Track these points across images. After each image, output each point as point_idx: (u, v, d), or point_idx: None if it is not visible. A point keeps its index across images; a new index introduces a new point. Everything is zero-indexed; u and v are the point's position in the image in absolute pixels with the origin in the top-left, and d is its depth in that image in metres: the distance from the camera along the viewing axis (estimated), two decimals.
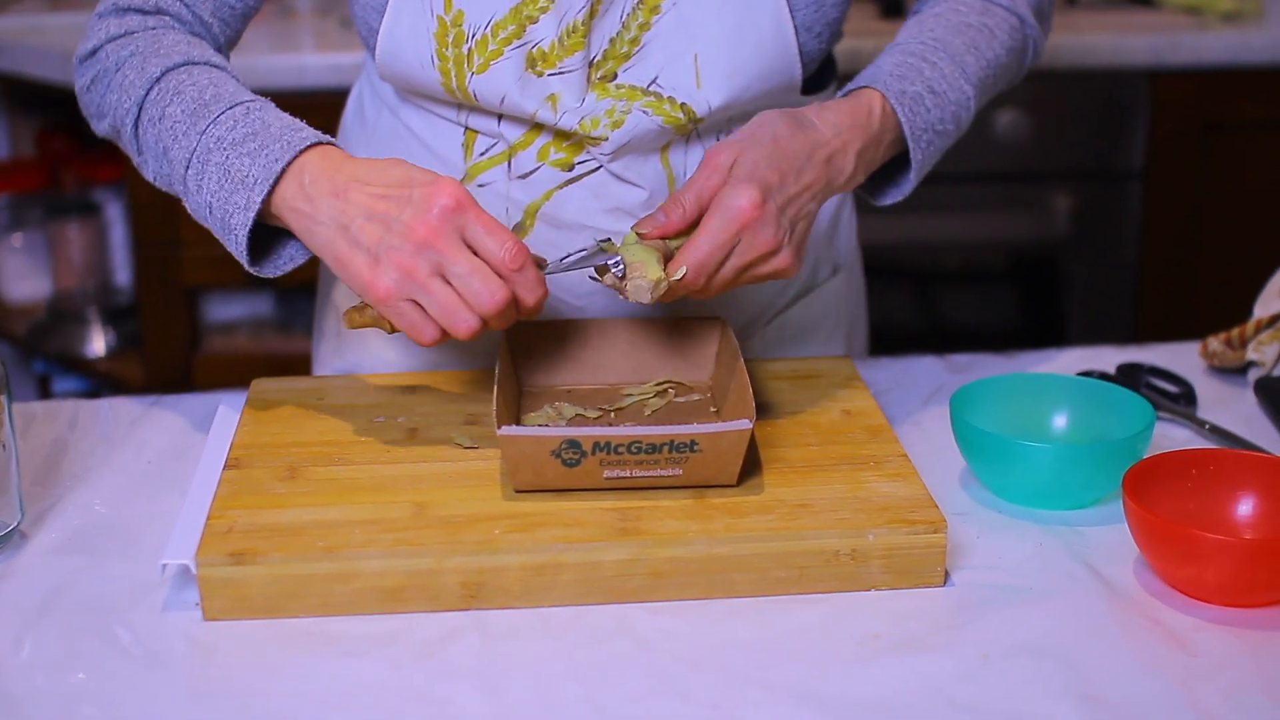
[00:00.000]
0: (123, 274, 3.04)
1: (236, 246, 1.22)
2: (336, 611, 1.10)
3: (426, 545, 1.10)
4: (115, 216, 3.01)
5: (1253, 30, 2.73)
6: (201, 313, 2.84)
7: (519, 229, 1.37)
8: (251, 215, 1.19)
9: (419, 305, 1.16)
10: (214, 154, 1.21)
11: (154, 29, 1.31)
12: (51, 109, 3.12)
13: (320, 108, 1.71)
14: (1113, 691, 1.02)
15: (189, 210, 1.26)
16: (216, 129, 1.22)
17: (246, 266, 1.24)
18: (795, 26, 1.33)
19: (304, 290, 2.85)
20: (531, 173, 1.36)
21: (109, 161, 2.96)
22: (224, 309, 2.89)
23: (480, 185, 1.37)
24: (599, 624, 1.09)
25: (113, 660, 1.06)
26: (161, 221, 2.67)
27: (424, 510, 1.15)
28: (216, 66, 1.28)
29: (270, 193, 1.19)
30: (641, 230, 1.21)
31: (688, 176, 1.37)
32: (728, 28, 1.31)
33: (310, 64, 2.53)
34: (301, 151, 1.19)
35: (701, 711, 1.00)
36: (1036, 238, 2.81)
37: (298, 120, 1.24)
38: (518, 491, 1.17)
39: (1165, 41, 2.69)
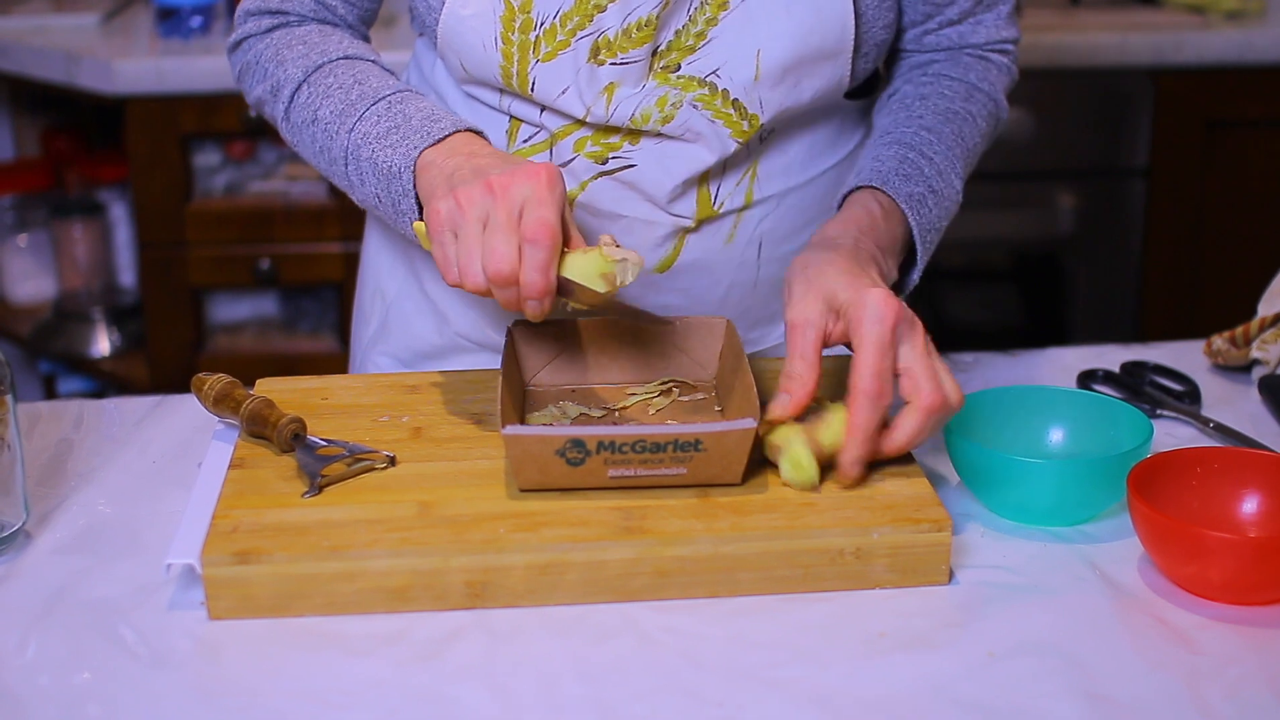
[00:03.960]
0: (127, 274, 3.05)
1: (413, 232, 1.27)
2: (341, 611, 1.10)
3: (431, 544, 1.10)
4: (120, 217, 3.02)
5: (1256, 29, 2.73)
6: (206, 313, 2.84)
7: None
8: (411, 200, 1.26)
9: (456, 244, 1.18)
10: (363, 149, 1.28)
11: (287, 26, 1.38)
12: (56, 109, 3.12)
13: None
14: (1117, 689, 1.02)
15: (357, 202, 1.33)
16: (363, 125, 1.29)
17: (424, 246, 1.27)
18: (858, 39, 1.34)
19: (307, 291, 2.85)
20: (569, 162, 1.37)
21: (113, 162, 2.96)
22: (228, 309, 2.89)
23: None
24: (604, 623, 1.09)
25: (117, 660, 1.06)
26: (166, 222, 2.67)
27: (429, 509, 1.15)
28: (355, 58, 1.35)
29: (414, 175, 1.25)
30: (774, 416, 1.18)
31: (718, 198, 1.38)
32: (795, 26, 1.32)
33: None
34: (442, 139, 1.25)
35: (706, 710, 1.00)
36: (1040, 236, 2.81)
37: (439, 111, 1.29)
38: (522, 491, 1.17)
39: (1168, 40, 2.69)
